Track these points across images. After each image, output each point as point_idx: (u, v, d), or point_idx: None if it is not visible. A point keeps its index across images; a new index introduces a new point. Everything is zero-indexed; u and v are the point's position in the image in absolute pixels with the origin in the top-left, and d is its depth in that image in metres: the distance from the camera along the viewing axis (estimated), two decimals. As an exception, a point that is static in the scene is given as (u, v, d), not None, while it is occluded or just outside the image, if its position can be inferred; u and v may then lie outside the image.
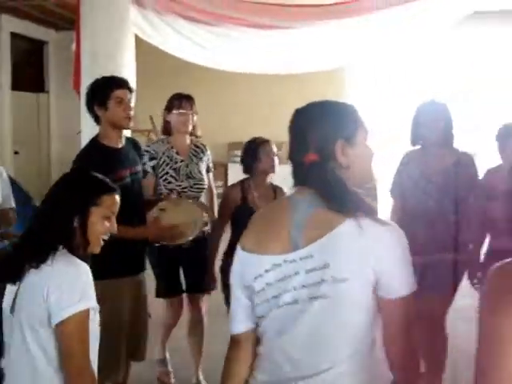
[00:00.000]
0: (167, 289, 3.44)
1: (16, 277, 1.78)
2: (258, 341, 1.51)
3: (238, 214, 3.18)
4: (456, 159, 3.15)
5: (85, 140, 3.39)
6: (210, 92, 7.84)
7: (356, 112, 1.52)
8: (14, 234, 3.14)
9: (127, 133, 3.42)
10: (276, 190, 3.31)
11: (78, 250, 1.82)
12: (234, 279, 1.53)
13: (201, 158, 3.53)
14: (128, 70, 4.54)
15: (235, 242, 1.60)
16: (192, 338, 3.52)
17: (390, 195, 3.39)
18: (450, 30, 5.23)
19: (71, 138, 6.56)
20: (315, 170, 1.44)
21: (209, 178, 3.62)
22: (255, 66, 5.20)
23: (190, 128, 3.43)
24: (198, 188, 3.47)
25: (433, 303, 3.03)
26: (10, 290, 1.82)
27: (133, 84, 3.37)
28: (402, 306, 1.40)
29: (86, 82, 3.79)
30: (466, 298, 3.18)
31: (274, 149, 3.29)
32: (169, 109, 3.42)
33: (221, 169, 7.80)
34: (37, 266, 1.74)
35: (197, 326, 3.49)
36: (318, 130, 1.46)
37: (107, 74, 2.99)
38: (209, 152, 3.61)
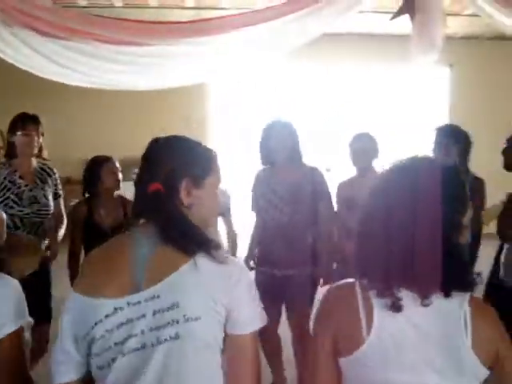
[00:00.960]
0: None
1: None
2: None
3: (86, 232, 3.12)
4: (303, 173, 3.23)
5: None
6: (68, 109, 7.51)
7: (214, 158, 1.50)
8: None
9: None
10: (126, 204, 3.23)
11: None
12: (63, 329, 1.37)
13: (47, 183, 3.35)
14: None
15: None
16: None
17: (251, 211, 3.43)
18: (304, 51, 5.43)
19: None
20: (158, 202, 1.38)
21: (59, 204, 3.43)
22: (112, 82, 5.02)
23: (36, 150, 3.25)
24: (42, 214, 3.29)
25: (298, 316, 3.12)
26: None
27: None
28: (253, 341, 1.38)
29: None
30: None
31: (117, 164, 3.25)
32: (12, 130, 3.22)
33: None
34: None
35: None
36: (169, 162, 1.41)
37: None
38: (57, 175, 3.43)
